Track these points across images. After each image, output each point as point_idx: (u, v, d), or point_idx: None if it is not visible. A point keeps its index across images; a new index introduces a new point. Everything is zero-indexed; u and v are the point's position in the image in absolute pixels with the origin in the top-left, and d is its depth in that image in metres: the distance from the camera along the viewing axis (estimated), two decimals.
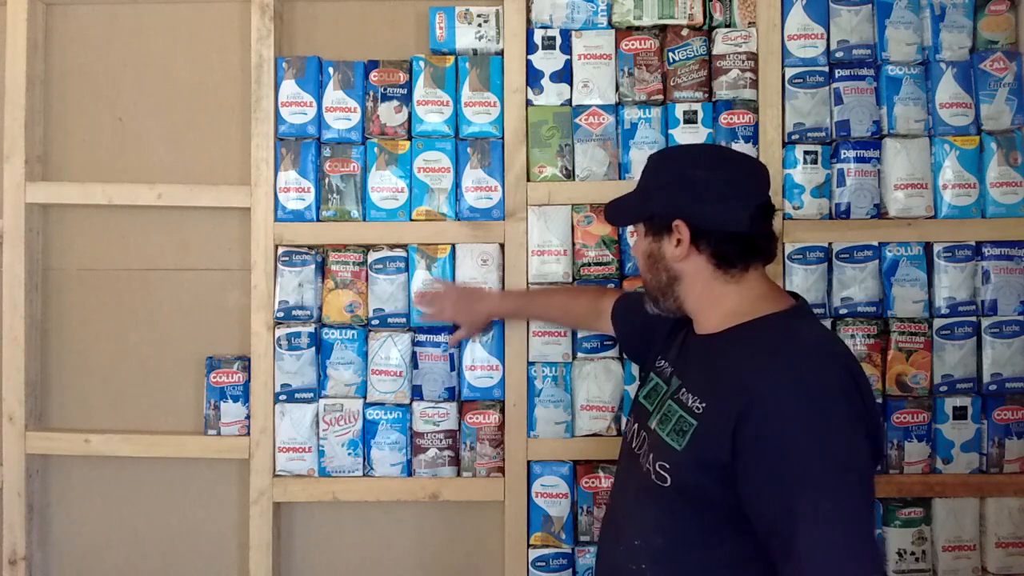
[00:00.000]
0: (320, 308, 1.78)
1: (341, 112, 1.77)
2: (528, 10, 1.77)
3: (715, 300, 1.20)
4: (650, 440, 1.22)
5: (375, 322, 1.76)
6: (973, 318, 1.71)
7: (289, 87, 1.77)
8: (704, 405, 1.13)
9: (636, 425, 1.29)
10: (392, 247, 1.77)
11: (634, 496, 1.23)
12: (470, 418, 1.74)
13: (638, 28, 1.77)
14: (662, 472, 1.15)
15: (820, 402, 1.05)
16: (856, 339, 1.69)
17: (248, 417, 1.76)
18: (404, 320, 1.76)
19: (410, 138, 1.78)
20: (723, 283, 1.20)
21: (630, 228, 1.50)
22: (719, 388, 1.12)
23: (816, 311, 1.69)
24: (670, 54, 1.75)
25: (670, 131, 1.74)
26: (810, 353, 1.11)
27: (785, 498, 1.02)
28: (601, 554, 1.31)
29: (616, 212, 1.35)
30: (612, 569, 1.25)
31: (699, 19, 1.75)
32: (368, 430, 1.75)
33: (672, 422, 1.17)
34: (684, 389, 1.19)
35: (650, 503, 1.18)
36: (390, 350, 1.75)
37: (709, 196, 1.17)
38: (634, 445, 1.27)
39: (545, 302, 1.69)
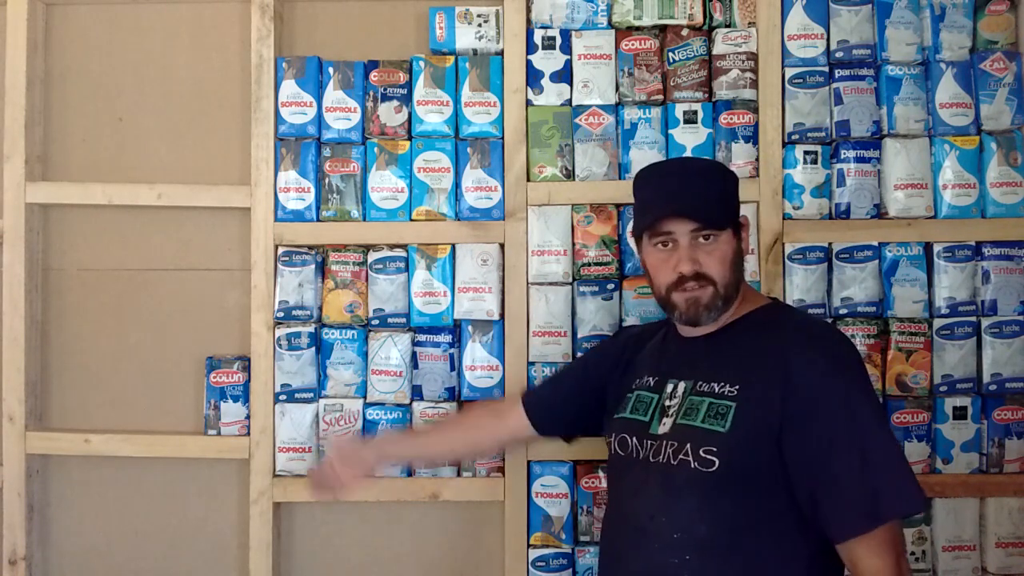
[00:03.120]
0: (320, 308, 1.78)
1: (341, 112, 1.77)
2: (528, 10, 1.76)
3: (740, 292, 1.30)
4: (674, 437, 1.22)
5: (375, 322, 1.76)
6: (973, 318, 1.71)
7: (289, 87, 1.77)
8: (738, 387, 1.19)
9: (635, 438, 1.29)
10: (392, 247, 1.77)
11: (662, 494, 1.21)
12: None
13: (638, 28, 1.77)
14: (707, 456, 1.17)
15: (850, 361, 1.21)
16: (856, 339, 1.69)
17: (248, 417, 1.76)
18: (404, 320, 1.76)
19: (410, 138, 1.78)
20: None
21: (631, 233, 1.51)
22: (752, 369, 1.20)
23: (816, 311, 1.70)
24: (670, 54, 1.75)
25: (670, 131, 1.74)
26: (825, 327, 1.35)
27: (855, 443, 1.13)
28: (621, 562, 1.27)
29: (710, 215, 1.26)
30: (645, 572, 1.22)
31: (699, 19, 1.75)
32: (368, 430, 1.75)
33: (703, 412, 1.20)
34: (701, 382, 1.24)
35: (689, 494, 1.19)
36: (390, 350, 1.75)
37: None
38: (641, 456, 1.26)
39: (440, 441, 1.57)
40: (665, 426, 1.24)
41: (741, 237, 1.30)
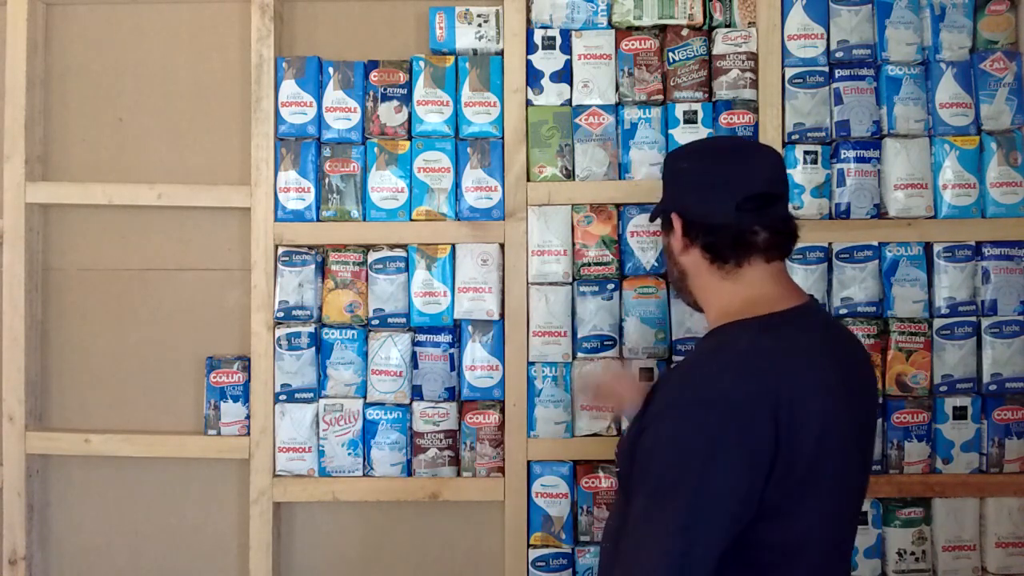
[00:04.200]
0: (320, 308, 1.78)
1: (341, 112, 1.77)
2: (528, 10, 1.76)
3: (712, 296, 1.21)
4: None
5: (375, 322, 1.76)
6: (973, 318, 1.71)
7: (289, 87, 1.77)
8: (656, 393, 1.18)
9: None
10: (392, 247, 1.77)
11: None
12: (470, 418, 1.74)
13: (638, 28, 1.77)
14: (616, 457, 1.22)
15: (690, 410, 1.05)
16: None
17: (248, 417, 1.76)
18: (404, 320, 1.76)
19: (410, 138, 1.78)
20: (719, 279, 1.18)
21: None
22: (670, 377, 1.19)
23: None
24: (670, 54, 1.75)
25: (670, 131, 1.74)
26: (721, 363, 1.09)
27: (634, 491, 1.08)
28: None
29: (654, 211, 1.33)
30: (601, 550, 1.31)
31: (699, 19, 1.75)
32: (368, 430, 1.75)
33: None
34: None
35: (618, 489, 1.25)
36: (390, 350, 1.75)
37: (691, 186, 1.20)
38: None
39: None
40: None
41: (669, 233, 1.23)
